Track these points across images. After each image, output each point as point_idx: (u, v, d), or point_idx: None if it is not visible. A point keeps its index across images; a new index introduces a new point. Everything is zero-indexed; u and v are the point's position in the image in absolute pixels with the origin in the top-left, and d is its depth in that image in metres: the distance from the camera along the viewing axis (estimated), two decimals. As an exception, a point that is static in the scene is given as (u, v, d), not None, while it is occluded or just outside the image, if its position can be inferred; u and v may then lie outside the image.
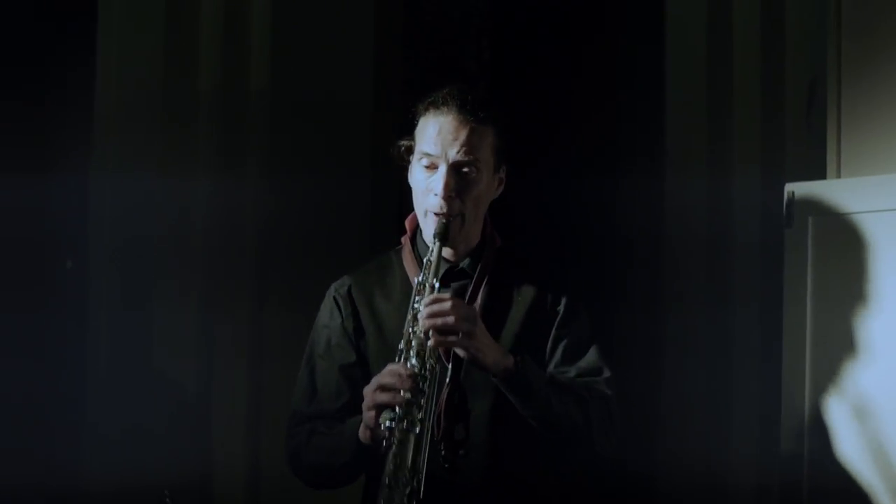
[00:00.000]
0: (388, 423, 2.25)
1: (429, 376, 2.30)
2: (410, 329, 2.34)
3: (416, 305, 2.35)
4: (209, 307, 3.40)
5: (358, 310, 2.55)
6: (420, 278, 2.38)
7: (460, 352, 2.37)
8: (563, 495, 2.56)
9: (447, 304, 2.31)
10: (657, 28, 3.62)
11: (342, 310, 2.57)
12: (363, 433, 2.34)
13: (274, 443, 3.35)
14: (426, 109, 2.47)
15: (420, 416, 2.27)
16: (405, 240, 2.58)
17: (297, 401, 2.60)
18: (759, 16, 3.43)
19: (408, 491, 2.24)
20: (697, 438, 3.40)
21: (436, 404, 2.34)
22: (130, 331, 3.30)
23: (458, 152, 2.41)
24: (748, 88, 3.43)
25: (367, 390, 2.32)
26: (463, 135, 2.41)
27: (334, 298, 2.58)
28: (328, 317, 2.59)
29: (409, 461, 2.25)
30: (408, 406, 2.25)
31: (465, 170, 2.42)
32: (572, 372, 2.49)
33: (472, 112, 2.42)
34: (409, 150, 2.50)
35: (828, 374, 2.90)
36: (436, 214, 2.43)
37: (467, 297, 2.48)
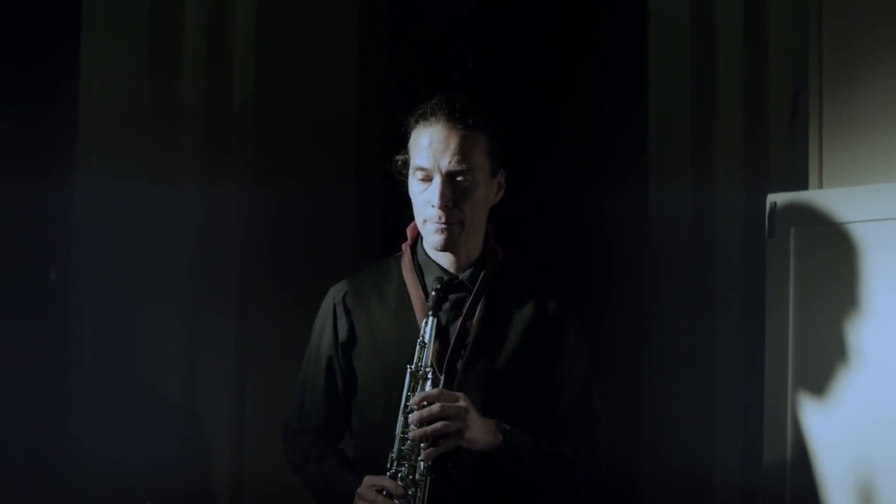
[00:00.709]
0: None
1: (421, 484, 2.34)
2: (400, 433, 2.36)
3: (408, 404, 2.37)
4: (194, 315, 3.38)
5: (352, 316, 2.56)
6: (413, 367, 2.39)
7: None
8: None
9: (436, 408, 2.33)
10: (640, 37, 3.63)
11: (337, 316, 2.58)
12: None
13: (259, 449, 3.38)
14: (416, 122, 2.48)
15: None
16: (405, 247, 2.58)
17: (290, 413, 2.65)
18: (741, 26, 3.43)
19: None
20: (681, 446, 3.40)
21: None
22: (114, 339, 3.28)
23: (450, 162, 2.42)
24: (731, 99, 3.44)
25: (361, 496, 2.37)
26: (454, 144, 2.42)
27: (332, 305, 2.59)
28: (322, 323, 2.61)
29: None
30: None
31: (460, 178, 2.43)
32: (568, 413, 2.52)
33: (460, 120, 2.43)
34: (405, 164, 2.51)
35: (810, 383, 2.92)
36: (435, 224, 2.44)
37: (465, 311, 2.48)
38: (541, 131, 3.85)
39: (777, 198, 3.01)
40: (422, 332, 2.39)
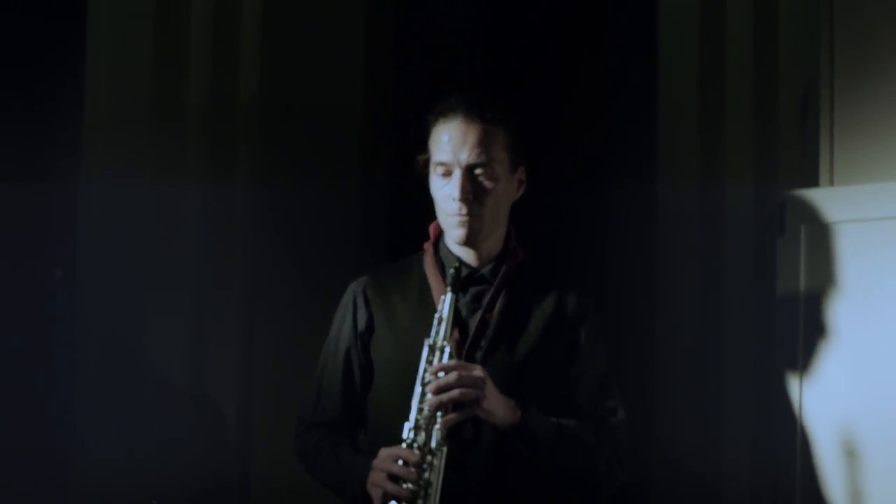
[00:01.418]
0: None
1: (437, 453, 2.33)
2: (417, 404, 2.35)
3: (426, 375, 2.37)
4: (199, 314, 3.38)
5: (372, 307, 2.59)
6: (430, 341, 2.39)
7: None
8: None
9: (452, 376, 2.34)
10: (650, 36, 3.62)
11: (356, 307, 2.60)
12: (370, 490, 2.38)
13: (266, 447, 3.37)
14: (435, 120, 2.52)
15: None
16: (428, 245, 2.61)
17: (303, 405, 2.65)
18: (752, 23, 3.42)
19: None
20: (689, 447, 3.39)
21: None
22: (120, 338, 3.28)
23: (469, 155, 2.45)
24: (741, 96, 3.42)
25: (377, 467, 2.36)
26: (472, 138, 2.45)
27: (353, 297, 2.62)
28: (342, 316, 2.63)
29: None
30: (413, 496, 2.31)
31: (479, 171, 2.46)
32: (588, 410, 2.52)
33: (479, 114, 2.46)
34: (427, 163, 2.54)
35: (821, 381, 2.90)
36: (456, 217, 2.46)
37: (485, 303, 2.51)
38: (549, 130, 3.84)
39: (787, 195, 3.01)
40: (439, 308, 2.40)
